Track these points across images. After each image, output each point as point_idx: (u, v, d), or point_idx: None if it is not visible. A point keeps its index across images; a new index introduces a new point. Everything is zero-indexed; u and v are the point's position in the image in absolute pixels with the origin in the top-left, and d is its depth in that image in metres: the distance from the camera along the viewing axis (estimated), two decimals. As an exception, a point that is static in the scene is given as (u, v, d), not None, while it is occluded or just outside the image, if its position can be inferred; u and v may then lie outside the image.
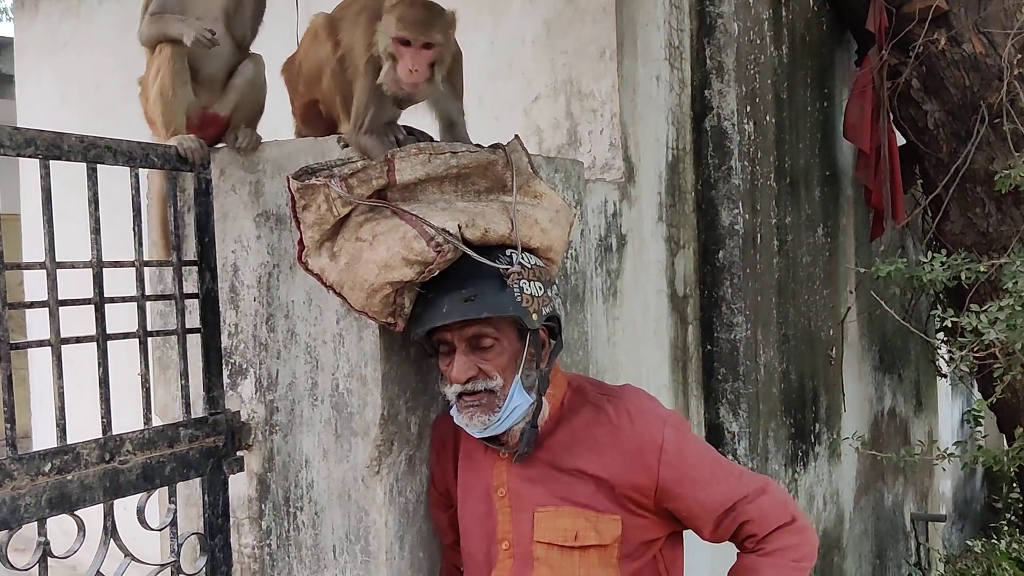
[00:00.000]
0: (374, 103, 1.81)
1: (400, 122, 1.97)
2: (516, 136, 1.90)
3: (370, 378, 1.87)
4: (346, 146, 1.86)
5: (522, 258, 1.76)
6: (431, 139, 1.94)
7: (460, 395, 1.75)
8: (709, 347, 3.50)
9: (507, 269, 1.71)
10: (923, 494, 5.27)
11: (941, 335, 4.67)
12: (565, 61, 3.19)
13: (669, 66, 3.34)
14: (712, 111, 3.46)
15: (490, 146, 1.86)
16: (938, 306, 4.35)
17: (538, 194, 1.88)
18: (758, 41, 3.59)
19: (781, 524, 1.78)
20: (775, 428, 3.65)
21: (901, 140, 4.31)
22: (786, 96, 3.80)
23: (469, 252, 1.69)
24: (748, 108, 3.50)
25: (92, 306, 1.72)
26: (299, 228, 1.73)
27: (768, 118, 3.66)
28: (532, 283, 1.74)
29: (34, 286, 5.58)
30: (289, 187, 1.71)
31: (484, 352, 1.74)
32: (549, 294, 1.78)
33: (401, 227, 1.69)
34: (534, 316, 1.72)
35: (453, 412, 1.79)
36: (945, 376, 5.36)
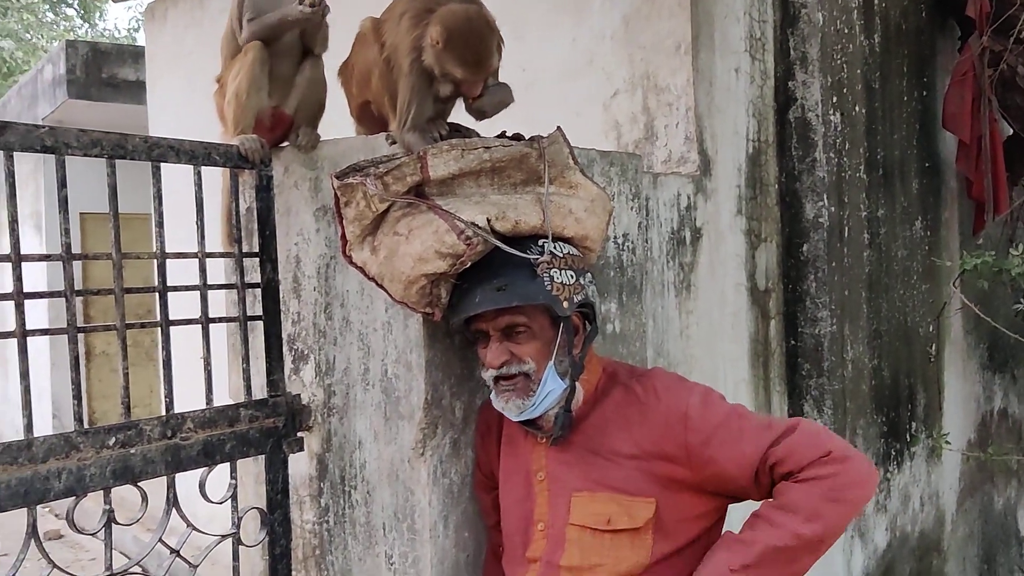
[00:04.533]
0: (416, 101, 1.90)
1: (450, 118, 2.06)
2: (558, 128, 1.95)
3: (415, 364, 1.96)
4: (394, 143, 1.96)
5: (554, 247, 1.81)
6: (477, 135, 2.02)
7: (497, 380, 1.82)
8: (793, 342, 3.46)
9: (537, 259, 1.77)
10: (1041, 499, 5.04)
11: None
12: (643, 56, 3.22)
13: (750, 58, 3.32)
14: (796, 102, 3.42)
15: (528, 139, 1.92)
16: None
17: (573, 184, 1.93)
18: (846, 30, 3.52)
19: (816, 457, 1.71)
20: (864, 426, 3.57)
21: (1009, 131, 4.14)
22: (878, 86, 3.71)
23: (498, 244, 1.76)
24: (834, 99, 3.44)
25: (196, 293, 1.88)
26: (341, 223, 1.84)
27: (857, 108, 3.58)
28: (563, 271, 1.79)
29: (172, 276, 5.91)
30: (332, 185, 1.82)
31: (517, 339, 1.80)
32: (582, 282, 1.83)
33: (434, 221, 1.77)
34: (565, 304, 1.78)
35: (492, 397, 1.86)
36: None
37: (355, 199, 1.80)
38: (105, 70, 8.41)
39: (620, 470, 1.81)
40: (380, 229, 1.84)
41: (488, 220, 1.76)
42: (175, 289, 1.89)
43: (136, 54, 8.40)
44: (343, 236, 1.85)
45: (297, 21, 2.10)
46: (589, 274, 1.87)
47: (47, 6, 19.40)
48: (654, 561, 1.79)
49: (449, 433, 2.01)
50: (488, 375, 1.83)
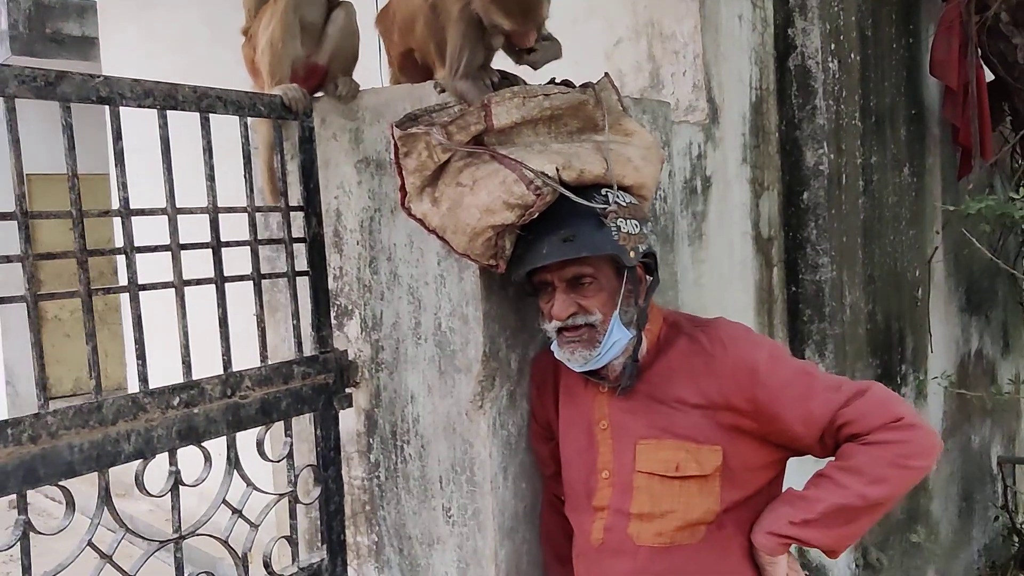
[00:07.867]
0: (468, 48, 1.86)
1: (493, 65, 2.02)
2: (606, 74, 1.94)
3: (471, 317, 1.94)
4: (443, 91, 1.92)
5: (618, 197, 1.80)
6: (524, 83, 1.98)
7: (560, 331, 1.81)
8: (794, 289, 3.50)
9: (604, 209, 1.75)
10: (1010, 437, 5.20)
11: (1031, 275, 4.58)
12: (646, 3, 3.19)
13: (751, 5, 3.31)
14: (796, 50, 3.43)
15: (580, 86, 1.89)
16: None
17: (629, 132, 1.91)
18: (842, -23, 3.53)
19: (885, 423, 1.72)
20: (862, 368, 3.64)
21: (990, 76, 4.21)
22: (871, 33, 3.73)
23: (568, 194, 1.73)
24: (832, 46, 3.46)
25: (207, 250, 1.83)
26: (400, 175, 1.80)
27: (853, 56, 3.60)
28: (628, 221, 1.78)
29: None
30: (392, 135, 1.77)
31: (583, 290, 1.79)
32: (645, 231, 1.82)
33: (501, 171, 1.74)
34: (631, 254, 1.77)
35: (554, 347, 1.85)
36: (1034, 317, 5.25)
37: (416, 149, 1.76)
38: (49, 25, 8.13)
39: (686, 418, 1.82)
40: (440, 180, 1.80)
41: (556, 169, 1.74)
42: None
43: (82, 8, 8.12)
44: (402, 187, 1.81)
45: None
46: (649, 223, 1.86)
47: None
48: (723, 509, 1.80)
49: (506, 385, 2.00)
50: (551, 327, 1.82)
